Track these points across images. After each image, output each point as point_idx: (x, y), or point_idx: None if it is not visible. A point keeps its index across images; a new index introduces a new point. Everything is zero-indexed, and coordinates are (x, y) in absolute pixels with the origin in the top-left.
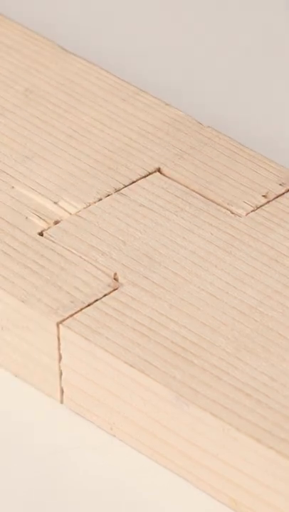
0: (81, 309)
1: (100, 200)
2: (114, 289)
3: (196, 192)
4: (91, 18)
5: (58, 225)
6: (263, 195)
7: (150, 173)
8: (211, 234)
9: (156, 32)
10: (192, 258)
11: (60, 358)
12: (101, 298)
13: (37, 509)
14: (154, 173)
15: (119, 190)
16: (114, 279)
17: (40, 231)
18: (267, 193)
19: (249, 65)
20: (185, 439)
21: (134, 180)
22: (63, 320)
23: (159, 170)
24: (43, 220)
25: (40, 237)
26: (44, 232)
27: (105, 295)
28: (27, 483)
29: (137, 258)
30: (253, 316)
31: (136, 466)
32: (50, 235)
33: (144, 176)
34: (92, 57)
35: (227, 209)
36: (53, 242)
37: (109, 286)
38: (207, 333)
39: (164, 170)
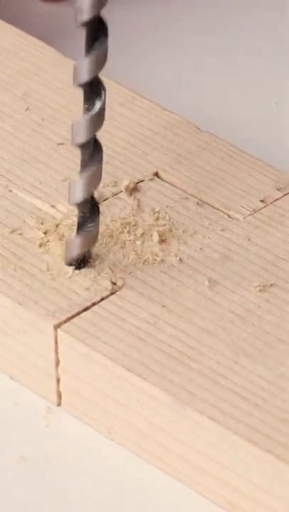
0: (78, 313)
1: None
2: (112, 293)
3: (194, 196)
4: None
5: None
6: (261, 200)
7: (148, 178)
8: (209, 238)
9: (154, 35)
10: (189, 262)
11: (58, 361)
12: (99, 302)
13: None
14: (152, 178)
15: (116, 194)
16: (112, 282)
17: (37, 234)
18: (264, 197)
19: (248, 70)
20: (183, 442)
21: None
22: (60, 323)
23: (156, 174)
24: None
25: (38, 240)
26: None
27: (103, 299)
28: (24, 487)
29: (134, 262)
30: (251, 320)
31: (134, 469)
32: (48, 239)
33: (142, 180)
34: None
35: (225, 213)
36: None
37: (106, 289)
38: (204, 336)
39: (161, 174)
